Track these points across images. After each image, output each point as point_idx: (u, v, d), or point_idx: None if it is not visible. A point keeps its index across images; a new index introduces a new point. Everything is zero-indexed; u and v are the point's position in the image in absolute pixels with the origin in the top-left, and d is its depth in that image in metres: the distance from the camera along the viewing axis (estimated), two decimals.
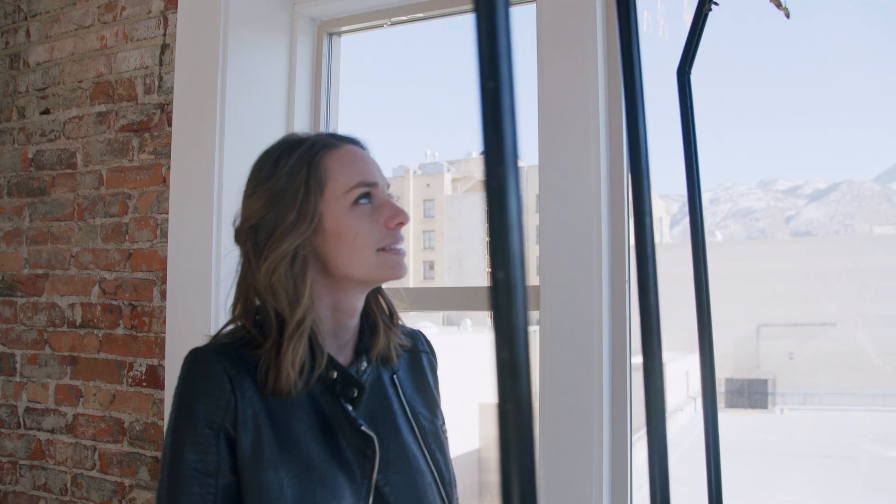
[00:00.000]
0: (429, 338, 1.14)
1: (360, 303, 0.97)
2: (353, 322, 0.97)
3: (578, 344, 1.41)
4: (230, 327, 0.95)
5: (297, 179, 0.92)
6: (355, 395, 0.90)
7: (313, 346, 0.89)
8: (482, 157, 0.43)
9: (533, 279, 1.51)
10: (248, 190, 0.97)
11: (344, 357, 0.96)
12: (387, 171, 1.05)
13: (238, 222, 0.97)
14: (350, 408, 0.90)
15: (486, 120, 0.42)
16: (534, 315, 1.49)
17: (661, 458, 0.64)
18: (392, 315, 1.02)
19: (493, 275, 0.42)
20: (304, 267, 0.91)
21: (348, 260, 0.92)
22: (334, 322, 0.95)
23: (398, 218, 0.94)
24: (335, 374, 0.90)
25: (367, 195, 0.94)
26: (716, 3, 0.95)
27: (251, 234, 0.93)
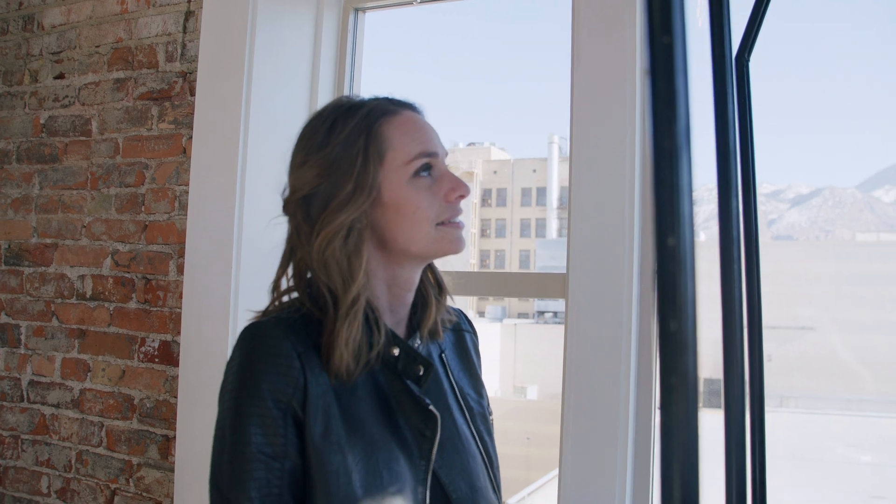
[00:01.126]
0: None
1: (417, 276, 0.93)
2: (410, 297, 0.93)
3: (606, 335, 1.39)
4: (282, 300, 0.91)
5: (355, 148, 0.87)
6: (420, 372, 0.86)
7: (370, 322, 0.85)
8: (652, 117, 0.40)
9: (561, 268, 1.49)
10: (299, 158, 0.90)
11: (398, 333, 0.93)
12: None
13: (287, 192, 0.91)
14: (415, 386, 0.87)
15: (657, 77, 0.40)
16: (559, 303, 1.46)
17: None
18: (441, 289, 0.99)
19: (662, 241, 0.39)
20: (358, 242, 0.86)
21: (407, 234, 0.88)
22: (391, 297, 0.92)
23: (459, 190, 0.89)
24: (397, 351, 0.86)
25: (427, 166, 0.89)
26: None
27: (302, 206, 0.88)
